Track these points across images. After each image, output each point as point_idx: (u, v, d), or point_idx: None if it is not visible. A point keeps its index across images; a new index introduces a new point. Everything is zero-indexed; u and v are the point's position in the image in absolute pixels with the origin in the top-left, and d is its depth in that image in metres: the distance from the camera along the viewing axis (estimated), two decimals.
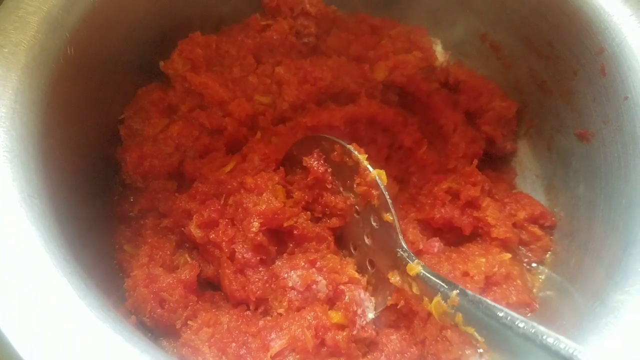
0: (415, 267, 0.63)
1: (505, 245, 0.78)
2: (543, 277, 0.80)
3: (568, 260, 0.76)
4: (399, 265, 0.66)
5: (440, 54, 0.95)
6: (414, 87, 0.90)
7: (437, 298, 0.59)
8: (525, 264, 0.81)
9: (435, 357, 0.70)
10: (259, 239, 0.71)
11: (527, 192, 0.88)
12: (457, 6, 0.92)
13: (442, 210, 0.80)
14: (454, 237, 0.82)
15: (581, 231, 0.76)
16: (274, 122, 0.86)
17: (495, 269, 0.74)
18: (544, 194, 0.87)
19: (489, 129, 0.88)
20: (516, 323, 0.49)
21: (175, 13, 0.88)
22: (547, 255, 0.81)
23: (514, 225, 0.80)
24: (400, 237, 0.67)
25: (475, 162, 0.83)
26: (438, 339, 0.71)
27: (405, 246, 0.66)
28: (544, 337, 0.46)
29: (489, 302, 0.53)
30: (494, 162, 0.93)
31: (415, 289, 0.64)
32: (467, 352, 0.72)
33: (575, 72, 0.77)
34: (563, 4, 0.75)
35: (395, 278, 0.67)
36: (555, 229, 0.82)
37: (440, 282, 0.60)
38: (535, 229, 0.81)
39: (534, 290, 0.79)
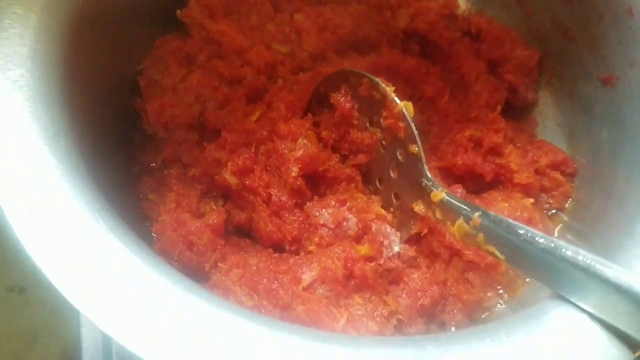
0: (440, 193, 0.66)
1: (527, 191, 0.78)
2: (563, 223, 0.80)
3: (589, 206, 0.77)
4: (423, 194, 0.69)
5: (462, 1, 0.93)
6: (436, 35, 0.89)
7: (460, 220, 0.62)
8: (545, 211, 0.82)
9: (457, 297, 0.72)
10: (298, 183, 0.73)
11: (549, 141, 0.88)
12: None
13: (465, 156, 0.80)
14: (476, 184, 0.83)
15: (603, 177, 0.76)
16: (293, 72, 0.86)
17: (518, 214, 0.74)
18: (565, 142, 0.87)
19: (511, 78, 0.87)
20: (536, 239, 0.51)
21: None
22: (568, 202, 0.82)
23: (536, 171, 0.81)
24: (426, 167, 0.69)
25: (499, 108, 0.83)
26: (460, 280, 0.73)
27: (429, 175, 0.68)
28: (563, 250, 0.49)
29: (511, 221, 0.55)
30: (515, 113, 0.92)
31: (438, 214, 0.66)
32: (489, 294, 0.73)
33: (601, 15, 0.76)
34: None
35: (419, 207, 0.69)
36: (577, 176, 0.83)
37: (462, 206, 0.63)
38: (557, 175, 0.81)
39: (555, 236, 0.79)
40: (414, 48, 0.90)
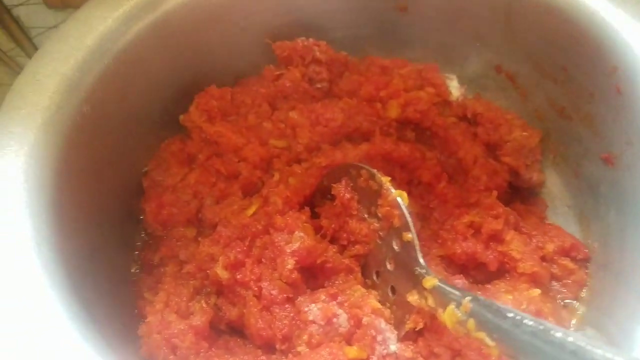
0: (432, 279, 0.64)
1: (534, 280, 0.72)
2: (580, 313, 0.73)
3: (604, 291, 0.70)
4: (417, 284, 0.66)
5: (455, 88, 0.94)
6: (430, 122, 0.89)
7: (451, 306, 0.59)
8: (559, 301, 0.75)
9: None
10: (293, 276, 0.72)
11: (560, 224, 0.82)
12: (467, 41, 0.92)
13: (464, 244, 0.76)
14: (481, 274, 0.78)
15: (614, 261, 0.70)
16: (289, 163, 0.87)
17: (524, 307, 0.68)
18: (577, 224, 0.82)
19: (509, 160, 0.84)
20: (524, 321, 0.49)
21: (192, 71, 0.92)
22: (584, 291, 0.75)
23: (543, 258, 0.75)
24: (419, 254, 0.67)
25: (495, 193, 0.79)
26: None
27: (423, 263, 0.67)
28: (552, 332, 0.46)
29: (500, 304, 0.54)
30: (523, 195, 0.88)
31: (430, 302, 0.64)
32: None
33: (591, 94, 0.74)
34: (570, 26, 0.73)
35: (413, 297, 0.67)
36: (591, 262, 0.76)
37: (453, 291, 0.61)
38: (566, 262, 0.75)
39: (572, 328, 0.72)
40: (409, 135, 0.90)
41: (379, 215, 0.74)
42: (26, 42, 1.17)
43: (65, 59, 0.73)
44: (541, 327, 0.47)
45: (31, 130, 0.66)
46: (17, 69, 1.18)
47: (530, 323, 0.48)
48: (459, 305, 0.58)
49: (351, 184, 0.78)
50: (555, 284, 0.75)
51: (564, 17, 0.73)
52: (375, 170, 0.74)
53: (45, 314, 0.55)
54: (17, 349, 0.52)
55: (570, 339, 0.44)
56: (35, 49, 1.10)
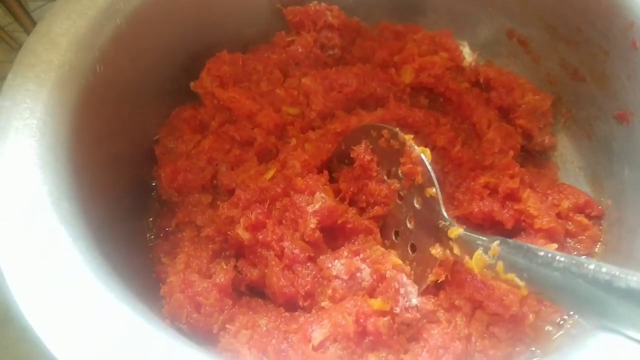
0: (458, 229, 0.65)
1: (550, 236, 0.74)
2: None
3: (619, 247, 0.72)
4: (441, 236, 0.67)
5: (468, 54, 0.95)
6: (443, 87, 0.89)
7: (478, 252, 0.60)
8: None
9: (483, 353, 0.66)
10: (315, 235, 0.72)
11: (572, 184, 0.84)
12: (479, 6, 0.92)
13: (481, 204, 0.77)
14: (497, 233, 0.78)
15: (629, 215, 0.72)
16: (303, 131, 0.87)
17: None
18: (588, 185, 0.83)
19: (523, 122, 0.85)
20: (557, 258, 0.50)
21: (202, 38, 0.92)
22: (598, 246, 0.76)
23: (559, 215, 0.76)
24: (443, 208, 0.68)
25: (512, 153, 0.80)
26: (485, 335, 0.67)
27: (446, 216, 0.67)
28: (585, 265, 0.46)
29: (530, 245, 0.54)
30: (535, 159, 0.90)
31: (456, 250, 0.64)
32: (518, 349, 0.67)
33: (606, 52, 0.75)
34: None
35: (436, 250, 0.67)
36: (604, 219, 0.78)
37: (481, 237, 0.61)
38: (581, 218, 0.76)
39: None
40: (423, 101, 0.91)
41: (400, 174, 0.74)
42: (24, 17, 1.13)
43: (77, 18, 0.72)
44: (574, 261, 0.48)
45: (45, 88, 0.65)
46: (15, 46, 1.16)
47: (562, 259, 0.49)
48: (486, 250, 0.59)
49: (371, 146, 0.78)
50: (570, 240, 0.77)
51: None
52: (397, 129, 0.74)
53: (65, 266, 0.54)
54: (43, 300, 0.52)
55: (604, 269, 0.45)
56: (34, 23, 1.07)
